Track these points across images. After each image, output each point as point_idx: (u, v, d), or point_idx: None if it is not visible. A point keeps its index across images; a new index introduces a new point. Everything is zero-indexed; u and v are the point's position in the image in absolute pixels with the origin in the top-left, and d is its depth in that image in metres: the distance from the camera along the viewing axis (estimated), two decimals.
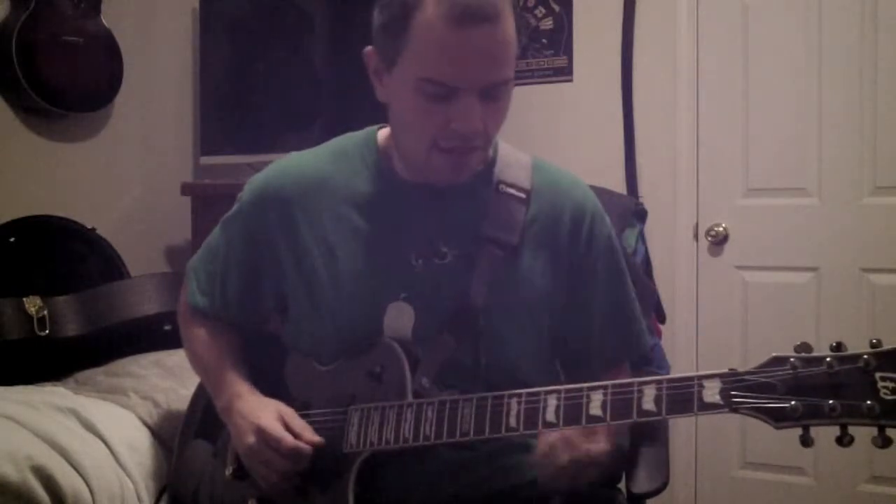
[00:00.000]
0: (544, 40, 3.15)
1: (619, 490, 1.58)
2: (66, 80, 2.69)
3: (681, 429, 2.95)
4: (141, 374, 2.06)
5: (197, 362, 1.49)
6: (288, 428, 1.27)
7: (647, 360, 1.46)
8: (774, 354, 1.03)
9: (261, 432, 1.27)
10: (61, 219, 2.58)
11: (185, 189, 2.89)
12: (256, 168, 1.57)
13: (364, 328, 1.31)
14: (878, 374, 0.97)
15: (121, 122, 2.96)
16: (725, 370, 1.05)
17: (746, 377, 1.03)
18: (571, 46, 3.14)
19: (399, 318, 1.31)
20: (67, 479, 1.61)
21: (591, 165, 2.67)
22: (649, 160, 3.04)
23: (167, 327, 2.17)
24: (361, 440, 1.24)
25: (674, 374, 1.10)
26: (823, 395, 0.98)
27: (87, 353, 2.18)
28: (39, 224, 2.53)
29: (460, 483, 1.30)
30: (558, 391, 1.14)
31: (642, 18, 3.04)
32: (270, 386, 1.38)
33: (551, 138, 3.07)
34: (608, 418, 1.10)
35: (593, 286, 1.39)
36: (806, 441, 1.00)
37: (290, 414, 1.30)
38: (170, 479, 1.59)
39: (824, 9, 2.80)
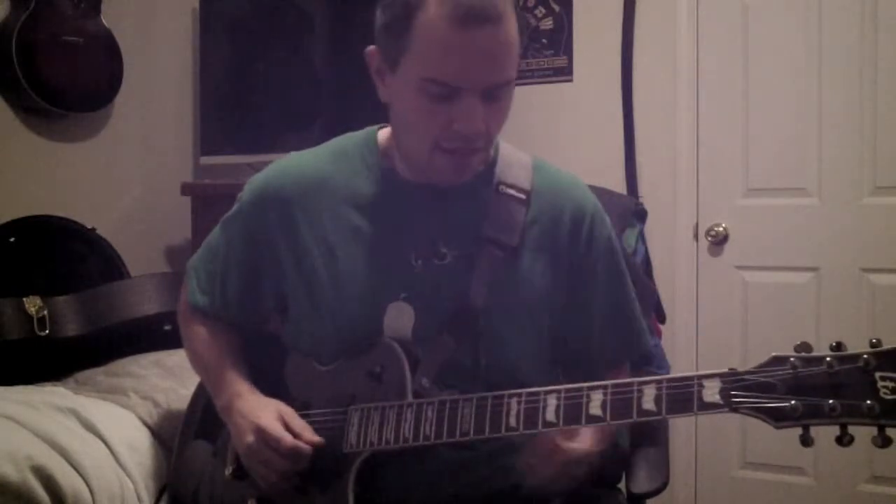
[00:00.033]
0: (544, 40, 3.15)
1: (619, 490, 1.58)
2: (66, 80, 2.69)
3: (681, 429, 2.95)
4: (141, 374, 2.06)
5: (197, 361, 1.49)
6: (288, 428, 1.27)
7: (648, 359, 1.45)
8: (774, 354, 1.03)
9: (260, 432, 1.27)
10: (61, 219, 2.59)
11: (185, 189, 2.89)
12: (256, 168, 1.57)
13: (364, 328, 1.31)
14: (877, 374, 0.97)
15: (121, 122, 2.96)
16: (725, 370, 1.05)
17: (746, 377, 1.03)
18: (571, 46, 3.14)
19: (399, 319, 1.31)
20: (67, 479, 1.61)
21: (591, 165, 2.67)
22: (649, 160, 3.04)
23: (167, 327, 2.17)
24: (361, 440, 1.24)
25: (674, 374, 1.10)
26: (823, 395, 0.98)
27: (87, 353, 2.18)
28: (39, 224, 2.53)
29: (460, 483, 1.30)
30: (558, 391, 1.14)
31: (642, 18, 3.04)
32: (270, 386, 1.38)
33: (551, 138, 3.07)
34: (608, 418, 1.10)
35: (593, 287, 1.39)
36: (806, 441, 1.00)
37: (289, 413, 1.30)
38: (170, 479, 1.59)
39: (824, 9, 2.80)
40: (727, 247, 2.98)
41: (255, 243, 1.41)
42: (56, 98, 2.67)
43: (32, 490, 1.56)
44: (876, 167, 2.77)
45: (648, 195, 2.95)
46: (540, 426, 1.13)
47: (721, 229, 2.96)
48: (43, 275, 2.43)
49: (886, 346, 0.98)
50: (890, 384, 0.96)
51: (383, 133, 1.41)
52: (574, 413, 1.11)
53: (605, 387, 1.11)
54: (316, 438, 1.27)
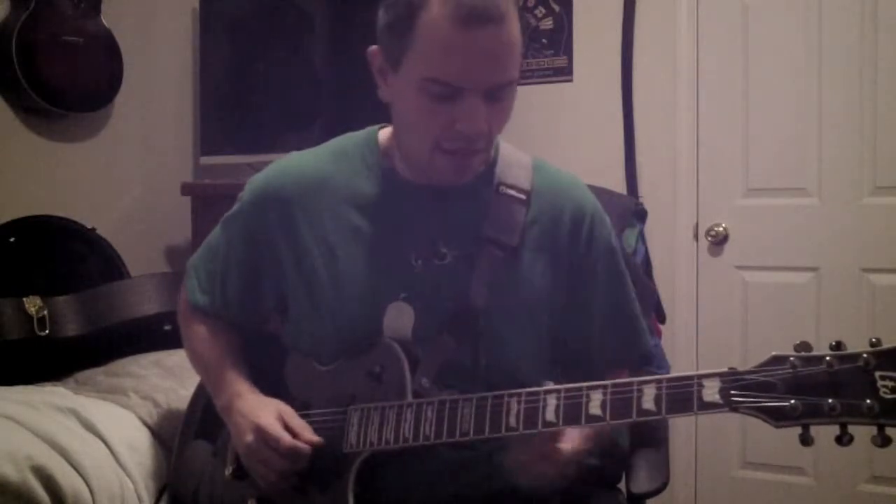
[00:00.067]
0: (544, 40, 3.15)
1: (619, 490, 1.58)
2: (66, 80, 2.69)
3: (681, 429, 2.95)
4: (141, 374, 2.06)
5: (197, 361, 1.49)
6: (287, 427, 1.27)
7: (648, 359, 1.45)
8: (774, 353, 1.03)
9: (259, 431, 1.27)
10: (61, 219, 2.58)
11: (185, 189, 2.89)
12: (256, 168, 1.57)
13: (364, 328, 1.32)
14: (877, 373, 0.97)
15: (121, 122, 2.96)
16: (725, 369, 1.05)
17: (746, 376, 1.03)
18: (571, 46, 3.14)
19: (399, 319, 1.31)
20: (67, 479, 1.61)
21: (591, 165, 2.67)
22: (649, 160, 3.04)
23: (167, 327, 2.17)
24: (361, 440, 1.24)
25: (673, 374, 1.10)
26: (823, 394, 0.98)
27: (87, 353, 2.18)
28: (39, 224, 2.53)
29: (460, 483, 1.30)
30: (558, 391, 1.14)
31: (642, 18, 3.04)
32: (270, 386, 1.38)
33: (551, 138, 3.07)
34: (608, 418, 1.10)
35: (593, 287, 1.39)
36: (806, 440, 1.00)
37: (289, 413, 1.30)
38: (170, 479, 1.59)
39: (824, 9, 2.80)
40: (727, 247, 2.98)
41: (256, 243, 1.41)
42: (56, 98, 2.67)
43: (32, 490, 1.56)
44: (876, 167, 2.77)
45: (648, 195, 2.95)
46: (540, 426, 1.13)
47: (721, 229, 2.96)
48: (43, 275, 2.43)
49: (886, 345, 0.98)
50: (889, 383, 0.96)
51: (384, 133, 1.41)
52: (574, 413, 1.11)
53: (604, 386, 1.11)
54: (315, 438, 1.27)
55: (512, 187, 1.36)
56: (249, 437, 1.29)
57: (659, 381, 1.08)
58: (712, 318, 2.99)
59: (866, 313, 2.77)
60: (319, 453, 1.26)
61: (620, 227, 1.80)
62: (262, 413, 1.29)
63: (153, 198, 3.06)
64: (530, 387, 1.17)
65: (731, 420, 2.83)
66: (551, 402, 1.13)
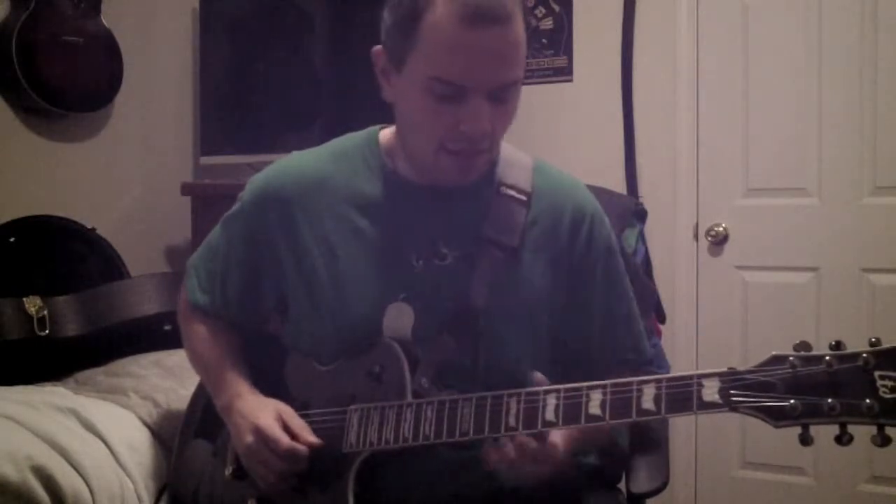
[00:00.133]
0: (544, 40, 3.15)
1: (619, 490, 1.58)
2: (66, 80, 2.70)
3: (681, 428, 2.95)
4: (141, 374, 2.06)
5: (197, 360, 1.49)
6: (286, 428, 1.27)
7: (647, 360, 1.45)
8: (774, 353, 1.03)
9: (259, 432, 1.27)
10: (61, 219, 2.58)
11: (185, 189, 2.89)
12: (256, 168, 1.57)
13: (364, 328, 1.31)
14: (877, 373, 0.97)
15: (121, 122, 2.96)
16: (725, 369, 1.05)
17: (745, 376, 1.03)
18: (571, 46, 3.14)
19: (399, 319, 1.31)
20: (67, 479, 1.61)
21: (591, 165, 2.68)
22: (649, 160, 3.04)
23: (167, 327, 2.17)
24: (361, 440, 1.24)
25: (673, 374, 1.10)
26: (823, 394, 0.98)
27: (87, 353, 2.18)
28: (39, 224, 2.53)
29: (460, 483, 1.30)
30: (557, 390, 1.14)
31: (642, 18, 3.04)
32: (270, 386, 1.38)
33: (551, 138, 3.07)
34: (607, 417, 1.10)
35: (592, 287, 1.39)
36: (805, 440, 1.00)
37: (289, 413, 1.30)
38: (170, 479, 1.59)
39: (824, 9, 2.80)
40: (727, 247, 2.98)
41: (256, 243, 1.41)
42: (56, 98, 2.67)
43: (32, 490, 1.56)
44: (876, 167, 2.77)
45: (648, 195, 2.95)
46: (539, 426, 1.13)
47: (721, 229, 2.96)
48: (43, 275, 2.43)
49: (886, 345, 0.98)
50: (889, 383, 0.96)
51: (385, 133, 1.41)
52: (573, 412, 1.11)
53: (604, 386, 1.11)
54: (313, 439, 1.27)
55: (512, 188, 1.36)
56: (249, 438, 1.29)
57: (658, 381, 1.08)
58: (712, 318, 2.99)
59: (866, 313, 2.77)
60: (319, 453, 1.26)
61: (620, 227, 1.80)
62: (262, 414, 1.30)
63: (153, 198, 3.06)
64: (530, 387, 1.16)
65: (730, 420, 2.83)
66: (551, 401, 1.13)
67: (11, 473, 1.54)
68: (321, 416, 1.31)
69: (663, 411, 1.07)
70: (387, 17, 1.25)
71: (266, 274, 1.42)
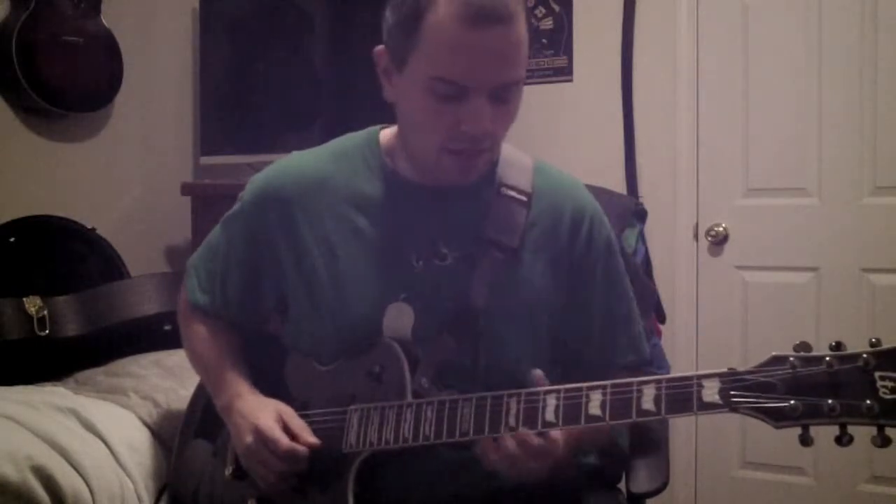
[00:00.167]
0: (544, 40, 3.15)
1: (619, 490, 1.58)
2: (66, 80, 2.69)
3: (681, 429, 2.95)
4: (141, 374, 2.06)
5: (197, 360, 1.49)
6: (286, 428, 1.27)
7: (646, 360, 1.45)
8: (774, 354, 1.03)
9: (258, 433, 1.27)
10: (61, 219, 2.58)
11: (185, 189, 2.89)
12: (256, 168, 1.57)
13: (364, 328, 1.31)
14: (877, 374, 0.97)
15: (121, 122, 2.96)
16: (725, 370, 1.05)
17: (746, 377, 1.03)
18: (571, 46, 3.14)
19: (398, 319, 1.31)
20: (67, 479, 1.61)
21: (591, 165, 2.68)
22: (649, 160, 3.04)
23: (167, 327, 2.17)
24: (361, 440, 1.24)
25: (673, 374, 1.10)
26: (823, 395, 0.98)
27: (87, 353, 2.18)
28: (39, 224, 2.53)
29: (460, 483, 1.30)
30: (557, 391, 1.14)
31: (642, 18, 3.04)
32: (270, 386, 1.38)
33: (551, 138, 3.07)
34: (607, 418, 1.10)
35: (592, 287, 1.39)
36: (805, 440, 1.00)
37: (289, 414, 1.30)
38: (170, 479, 1.59)
39: (824, 9, 2.80)
40: (727, 247, 2.98)
41: (256, 243, 1.41)
42: (56, 98, 2.67)
43: (32, 490, 1.56)
44: (876, 167, 2.77)
45: (648, 195, 2.95)
46: (539, 426, 1.13)
47: (721, 229, 2.96)
48: (43, 275, 2.43)
49: (886, 345, 0.98)
50: (889, 384, 0.96)
51: (385, 133, 1.41)
52: (573, 413, 1.12)
53: (604, 387, 1.11)
54: (313, 440, 1.26)
55: (513, 189, 1.36)
56: (249, 439, 1.29)
57: (658, 382, 1.08)
58: (712, 318, 2.99)
59: (866, 313, 2.77)
60: (319, 454, 1.26)
61: (620, 227, 1.80)
62: (262, 414, 1.29)
63: (153, 198, 3.06)
64: (530, 387, 1.17)
65: (730, 420, 2.83)
66: (551, 402, 1.13)
67: (11, 473, 1.54)
68: (321, 417, 1.31)
69: (663, 412, 1.07)
70: (389, 16, 1.25)
71: (266, 274, 1.42)
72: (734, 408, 1.03)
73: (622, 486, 1.59)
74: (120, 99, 2.87)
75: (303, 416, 1.31)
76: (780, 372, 1.01)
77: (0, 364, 2.04)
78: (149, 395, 1.94)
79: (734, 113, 2.94)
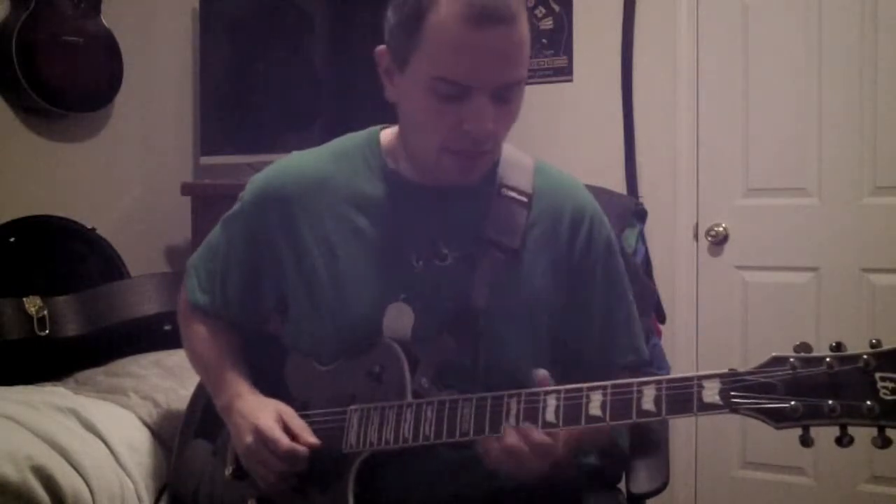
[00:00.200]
0: (544, 40, 3.15)
1: (619, 490, 1.58)
2: (66, 80, 2.69)
3: (681, 429, 2.95)
4: (141, 374, 2.06)
5: (197, 360, 1.49)
6: (286, 428, 1.27)
7: (647, 360, 1.45)
8: (774, 354, 1.03)
9: (258, 432, 1.27)
10: (61, 219, 2.58)
11: (185, 189, 2.89)
12: (256, 168, 1.57)
13: (364, 328, 1.31)
14: (877, 375, 0.97)
15: (121, 122, 2.96)
16: (725, 370, 1.05)
17: (746, 377, 1.03)
18: (571, 46, 3.14)
19: (398, 319, 1.31)
20: (67, 479, 1.61)
21: (591, 165, 2.68)
22: (649, 160, 3.04)
23: (167, 327, 2.17)
24: (361, 440, 1.24)
25: (673, 375, 1.10)
26: (823, 396, 0.98)
27: (87, 353, 2.18)
28: (39, 224, 2.53)
29: (460, 483, 1.30)
30: (558, 391, 1.14)
31: (642, 18, 3.04)
32: (270, 386, 1.38)
33: (551, 138, 3.07)
34: (608, 418, 1.10)
35: (592, 287, 1.39)
36: (806, 441, 1.00)
37: (289, 414, 1.30)
38: (170, 479, 1.59)
39: (824, 9, 2.80)
40: (727, 247, 2.98)
41: (256, 243, 1.41)
42: (56, 98, 2.67)
43: (32, 490, 1.56)
44: (876, 167, 2.77)
45: (648, 195, 2.95)
46: (539, 426, 1.13)
47: (721, 229, 2.96)
48: (43, 275, 2.43)
49: (886, 346, 0.98)
50: (890, 385, 0.96)
51: (386, 133, 1.41)
52: (573, 413, 1.11)
53: (604, 387, 1.11)
54: (313, 440, 1.26)
55: (513, 189, 1.36)
56: (249, 439, 1.29)
57: (659, 382, 1.08)
58: (712, 318, 2.99)
59: (866, 313, 2.77)
60: (319, 454, 1.26)
61: (620, 227, 1.80)
62: (262, 414, 1.29)
63: (153, 198, 3.06)
64: (530, 387, 1.16)
65: (731, 420, 2.83)
66: (551, 402, 1.13)
67: (11, 473, 1.54)
68: (321, 417, 1.31)
69: (663, 412, 1.07)
70: (391, 16, 1.25)
71: (266, 274, 1.42)
72: (734, 408, 1.03)
73: (622, 486, 1.59)
74: (120, 99, 2.87)
75: (303, 416, 1.31)
76: (780, 373, 1.01)
77: (0, 364, 2.04)
78: (149, 395, 1.94)
79: (734, 113, 2.94)
